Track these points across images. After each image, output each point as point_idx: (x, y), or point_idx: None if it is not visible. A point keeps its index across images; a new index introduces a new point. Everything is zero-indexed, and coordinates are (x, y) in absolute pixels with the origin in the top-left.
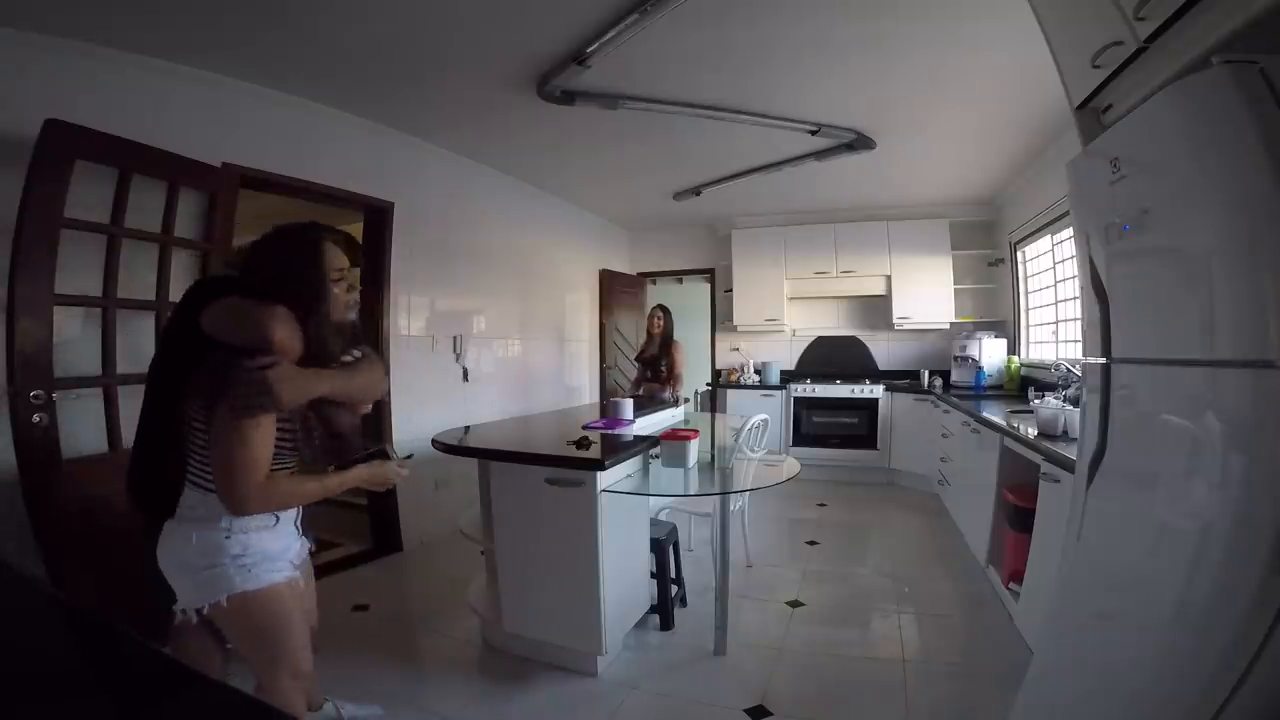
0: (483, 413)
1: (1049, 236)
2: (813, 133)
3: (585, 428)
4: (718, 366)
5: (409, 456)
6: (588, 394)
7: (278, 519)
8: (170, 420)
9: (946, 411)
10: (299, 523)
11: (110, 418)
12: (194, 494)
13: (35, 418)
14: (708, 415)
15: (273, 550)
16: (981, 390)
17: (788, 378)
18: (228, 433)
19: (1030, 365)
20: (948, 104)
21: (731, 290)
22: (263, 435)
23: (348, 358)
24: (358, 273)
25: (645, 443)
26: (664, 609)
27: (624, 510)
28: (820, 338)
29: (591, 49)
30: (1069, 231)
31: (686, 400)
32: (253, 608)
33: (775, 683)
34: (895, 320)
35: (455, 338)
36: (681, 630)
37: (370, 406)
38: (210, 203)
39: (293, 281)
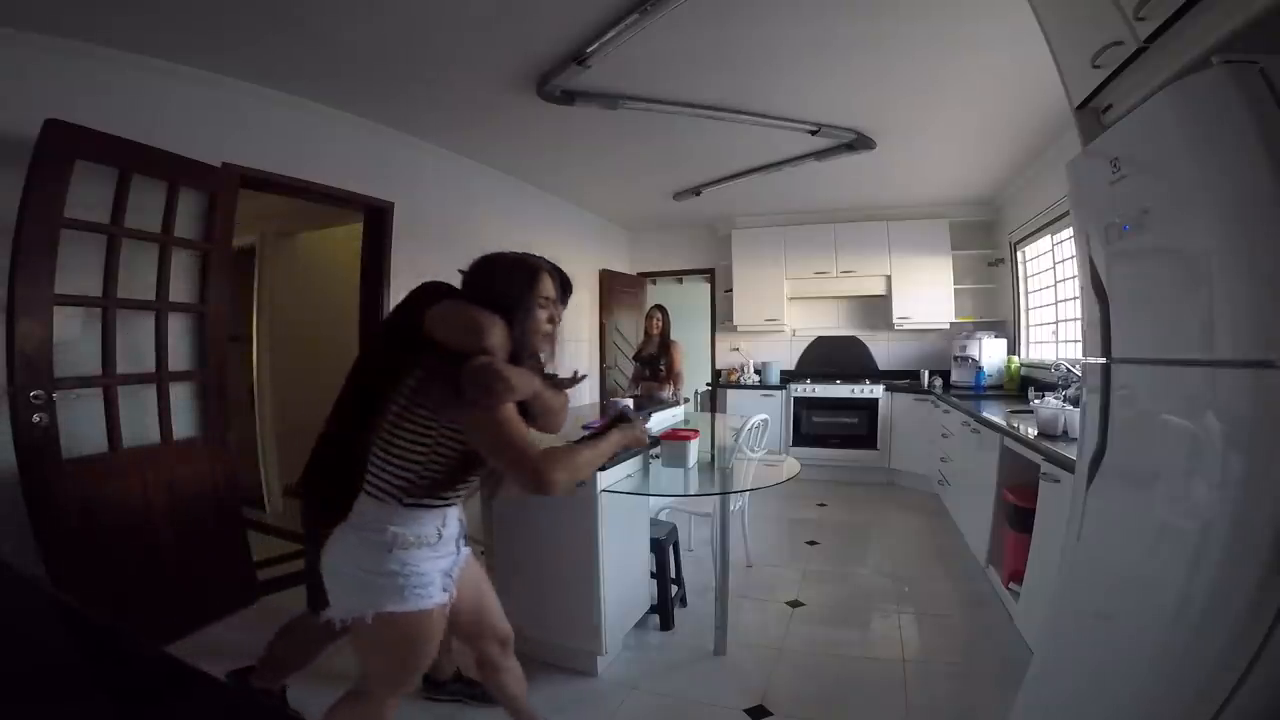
0: None
1: (1049, 236)
2: (813, 133)
3: (585, 428)
4: (718, 366)
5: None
6: (587, 394)
7: (440, 535)
8: (364, 420)
9: (946, 411)
10: (462, 538)
11: (110, 418)
12: (367, 501)
13: (35, 418)
14: (708, 415)
15: (429, 571)
16: (981, 390)
17: (788, 378)
18: (493, 425)
19: (1030, 365)
20: (948, 104)
21: (731, 290)
22: (517, 418)
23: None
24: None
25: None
26: (664, 609)
27: (624, 510)
28: (820, 338)
29: (591, 49)
30: (1069, 231)
31: (686, 400)
32: (393, 630)
33: (775, 683)
34: (895, 320)
35: None
36: (681, 630)
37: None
38: (210, 203)
39: (508, 296)
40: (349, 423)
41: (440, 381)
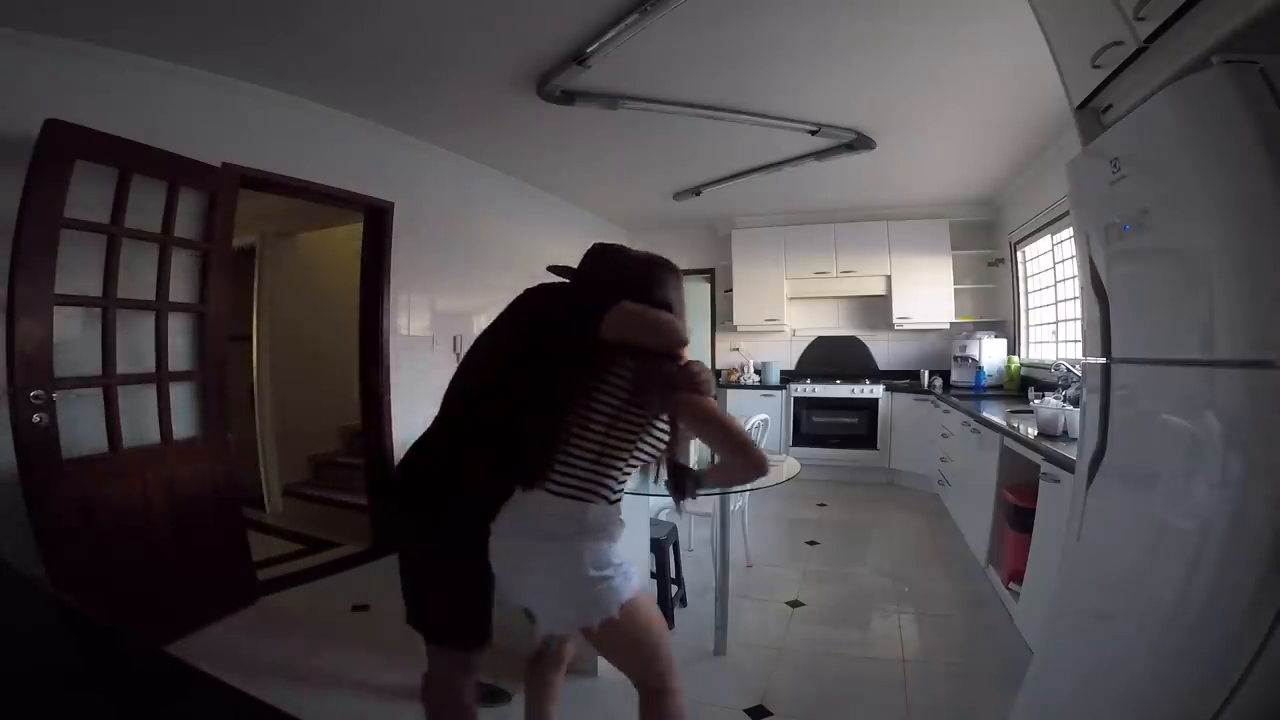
0: None
1: (1049, 236)
2: (813, 133)
3: None
4: (718, 366)
5: None
6: None
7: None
8: (517, 423)
9: (946, 411)
10: None
11: (110, 418)
12: (571, 506)
13: (35, 418)
14: None
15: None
16: (981, 390)
17: (788, 378)
18: (716, 416)
19: (1030, 365)
20: (948, 104)
21: (731, 290)
22: None
23: None
24: None
25: None
26: (664, 609)
27: (623, 510)
28: (820, 338)
29: (591, 49)
30: (1069, 231)
31: None
32: (637, 614)
33: (775, 683)
34: (895, 320)
35: (455, 338)
36: (681, 630)
37: None
38: (210, 203)
39: (669, 295)
40: (498, 437)
41: (656, 380)
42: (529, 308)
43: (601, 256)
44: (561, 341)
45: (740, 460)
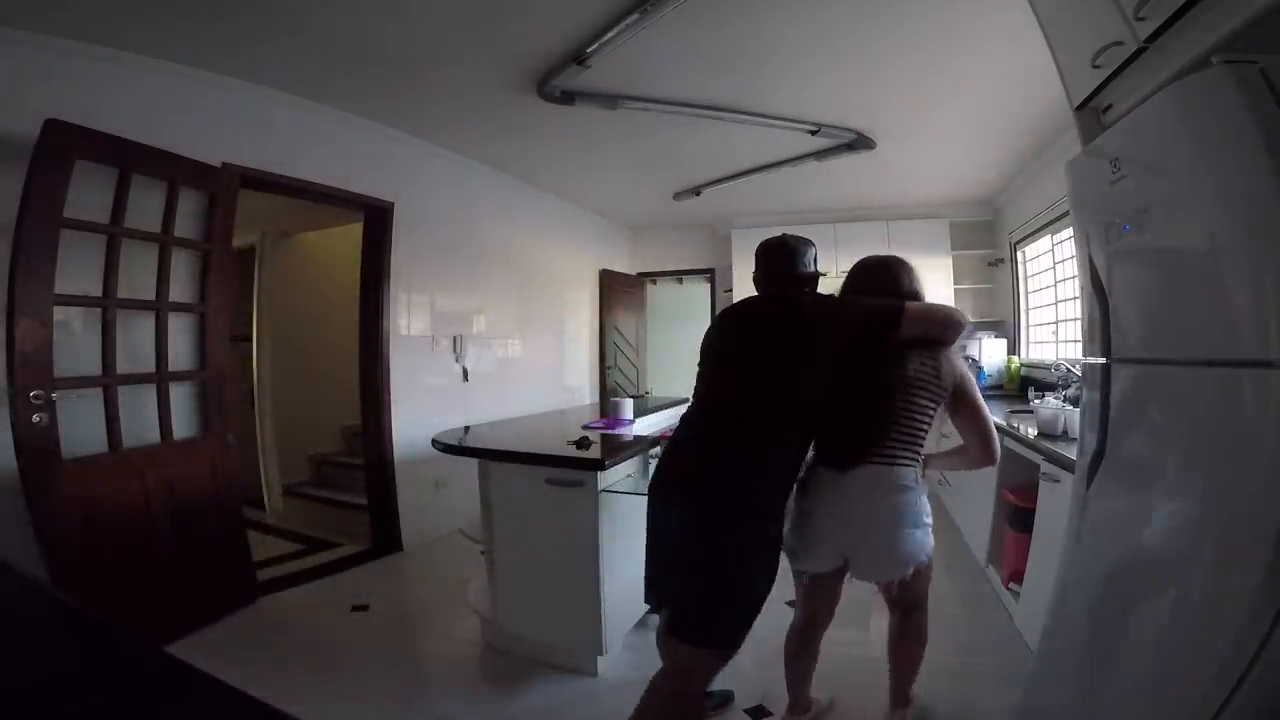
0: (483, 413)
1: (1049, 236)
2: (813, 133)
3: (585, 428)
4: None
5: None
6: (588, 394)
7: None
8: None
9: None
10: None
11: (110, 418)
12: (900, 472)
13: (35, 418)
14: None
15: None
16: (981, 390)
17: None
18: (980, 404)
19: (1030, 365)
20: (948, 104)
21: (731, 290)
22: None
23: None
24: None
25: (645, 442)
26: None
27: (624, 510)
28: None
29: (591, 49)
30: (1069, 231)
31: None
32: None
33: (775, 683)
34: None
35: (455, 338)
36: None
37: None
38: (210, 203)
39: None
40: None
41: (948, 367)
42: (813, 315)
43: (805, 255)
44: (873, 340)
45: (985, 447)
